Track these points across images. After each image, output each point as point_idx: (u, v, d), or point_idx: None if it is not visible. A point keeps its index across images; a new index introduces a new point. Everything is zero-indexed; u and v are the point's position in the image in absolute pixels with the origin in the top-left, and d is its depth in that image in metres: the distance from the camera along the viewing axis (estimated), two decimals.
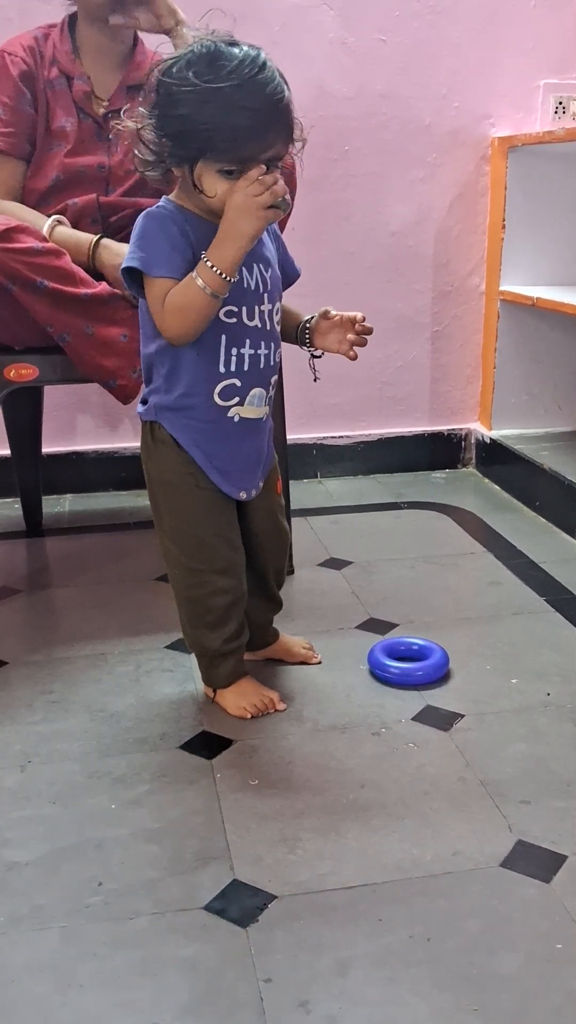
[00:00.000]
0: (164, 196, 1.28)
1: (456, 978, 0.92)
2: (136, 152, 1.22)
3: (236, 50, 1.17)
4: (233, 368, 1.27)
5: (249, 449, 1.33)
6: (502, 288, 2.36)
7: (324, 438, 2.47)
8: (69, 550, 2.03)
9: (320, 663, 1.52)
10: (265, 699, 1.39)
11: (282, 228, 1.72)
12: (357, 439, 2.49)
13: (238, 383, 1.28)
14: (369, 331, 1.37)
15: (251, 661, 1.49)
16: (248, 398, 1.30)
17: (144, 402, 1.33)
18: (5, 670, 1.52)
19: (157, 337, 1.26)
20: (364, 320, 1.36)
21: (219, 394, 1.28)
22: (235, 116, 1.14)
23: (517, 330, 2.40)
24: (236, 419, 1.30)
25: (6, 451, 2.15)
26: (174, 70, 1.16)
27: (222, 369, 1.27)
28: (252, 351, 1.28)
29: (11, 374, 1.64)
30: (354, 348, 1.36)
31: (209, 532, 1.33)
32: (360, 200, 2.34)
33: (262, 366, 1.30)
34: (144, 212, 1.24)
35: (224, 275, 1.18)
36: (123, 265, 1.23)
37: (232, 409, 1.29)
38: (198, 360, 1.26)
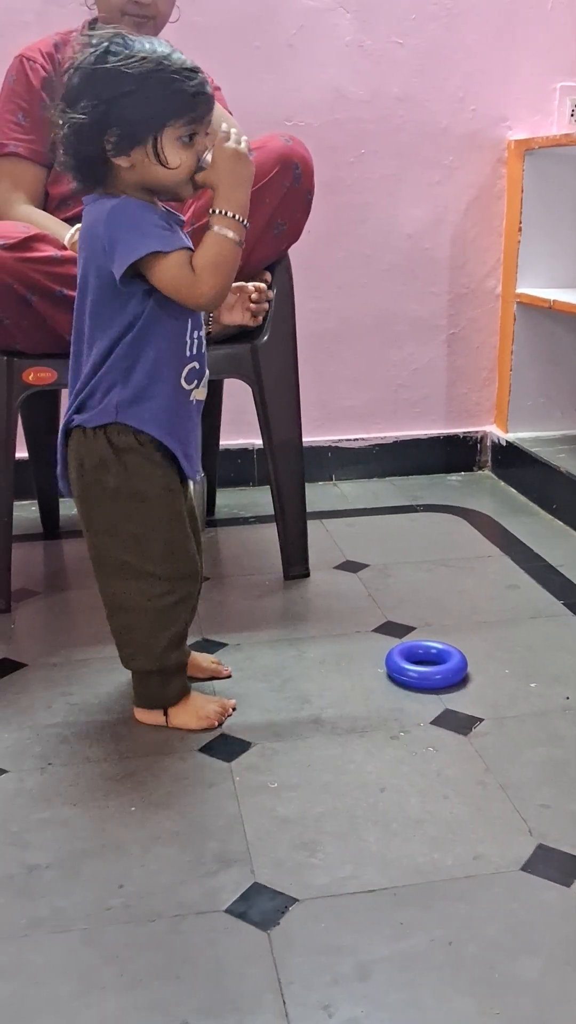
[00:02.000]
0: (110, 197, 1.22)
1: (477, 982, 0.92)
2: (67, 158, 1.20)
3: (128, 39, 1.19)
4: (195, 351, 1.29)
5: (198, 430, 1.36)
6: (519, 291, 2.36)
7: (339, 441, 2.47)
8: (86, 552, 2.02)
9: (230, 676, 1.49)
10: (218, 704, 1.38)
11: (298, 232, 1.73)
12: (372, 442, 2.49)
13: (197, 365, 1.30)
14: (267, 296, 1.53)
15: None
16: (203, 380, 1.32)
17: (79, 409, 1.26)
18: (24, 672, 1.53)
19: (125, 329, 1.23)
20: (262, 290, 1.51)
21: (185, 378, 1.29)
22: (180, 80, 1.17)
23: (533, 333, 2.40)
24: (194, 402, 1.32)
25: (24, 454, 2.16)
26: (97, 58, 1.16)
27: (188, 352, 1.28)
28: (200, 333, 1.30)
29: (30, 377, 1.65)
30: (260, 315, 1.53)
31: (179, 535, 1.31)
32: (376, 203, 2.34)
33: (205, 347, 1.33)
34: (114, 207, 1.19)
35: (243, 219, 1.23)
36: (140, 253, 1.17)
37: (193, 392, 1.31)
38: (168, 346, 1.26)
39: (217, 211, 1.22)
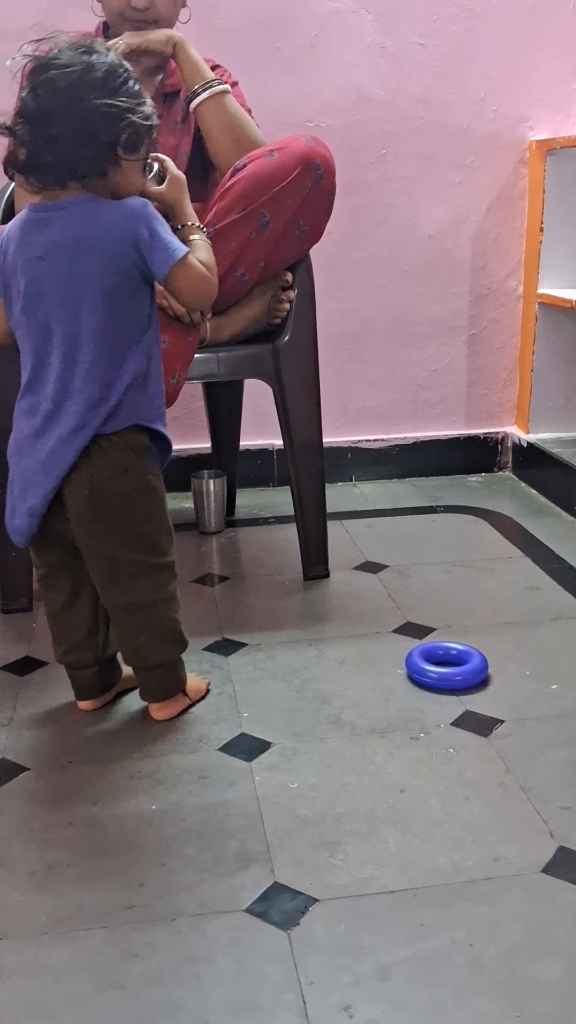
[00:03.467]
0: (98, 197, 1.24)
1: (498, 984, 0.92)
2: (61, 147, 1.17)
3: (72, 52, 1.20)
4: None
5: None
6: (540, 291, 2.35)
7: (359, 441, 2.47)
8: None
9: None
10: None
11: (320, 232, 1.73)
12: (392, 442, 2.49)
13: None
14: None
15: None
16: None
17: (81, 426, 1.23)
18: (45, 670, 1.54)
19: (144, 328, 1.26)
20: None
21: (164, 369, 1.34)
22: (143, 102, 1.22)
23: (555, 333, 2.39)
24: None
25: None
26: (70, 77, 1.16)
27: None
28: None
29: None
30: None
31: (168, 517, 1.34)
32: (397, 203, 2.34)
33: None
34: (143, 206, 1.22)
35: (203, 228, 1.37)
36: (180, 253, 1.24)
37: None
38: (158, 341, 1.30)
39: (189, 223, 1.34)
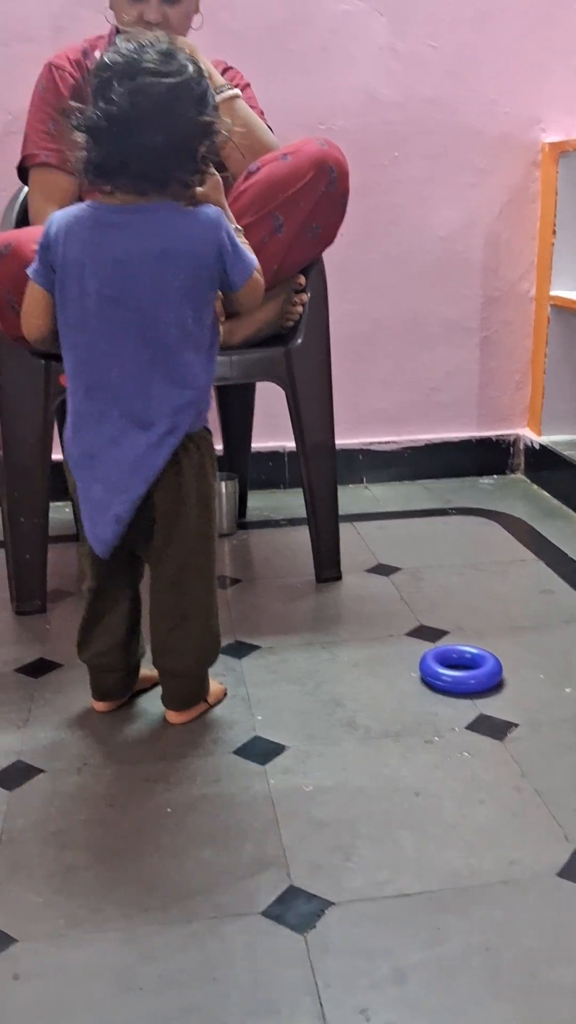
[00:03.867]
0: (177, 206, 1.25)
1: (515, 989, 0.92)
2: (153, 157, 1.17)
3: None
4: None
5: None
6: (552, 293, 2.35)
7: (370, 443, 2.47)
8: None
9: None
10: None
11: (333, 235, 1.73)
12: (404, 444, 2.49)
13: None
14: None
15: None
16: None
17: (171, 429, 1.25)
18: (59, 672, 1.54)
19: (213, 331, 1.29)
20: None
21: None
22: (219, 115, 1.25)
23: (567, 335, 2.39)
24: None
25: (58, 456, 2.18)
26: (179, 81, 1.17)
27: None
28: None
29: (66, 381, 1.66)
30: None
31: None
32: (409, 205, 2.34)
33: None
34: (221, 216, 1.25)
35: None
36: (255, 263, 1.29)
37: None
38: None
39: (233, 226, 1.29)
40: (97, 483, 1.27)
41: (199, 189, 1.28)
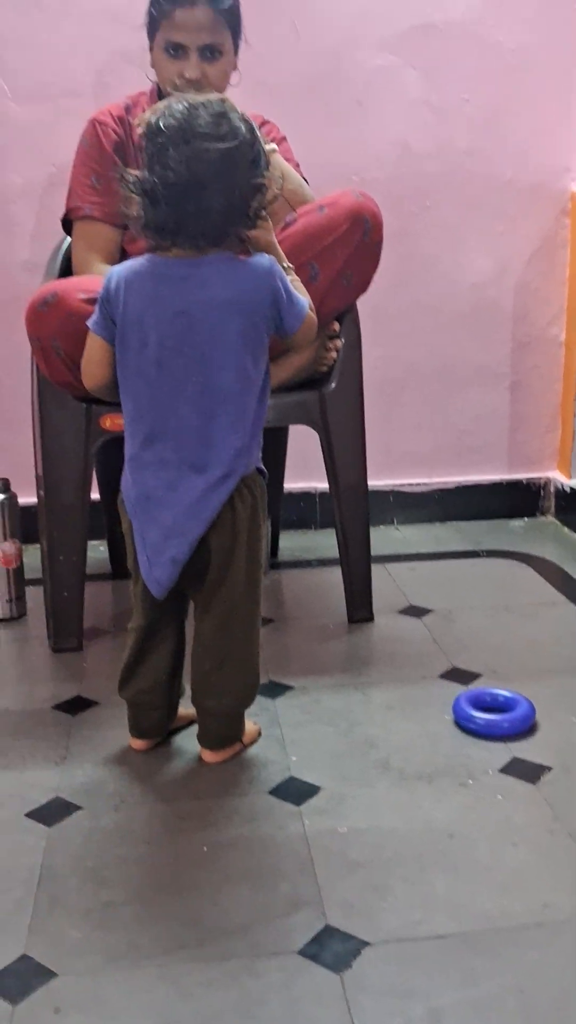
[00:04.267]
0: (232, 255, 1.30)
1: None
2: (212, 216, 1.23)
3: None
4: None
5: None
6: None
7: (401, 485, 2.50)
8: None
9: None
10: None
11: (367, 284, 1.77)
12: (434, 486, 2.51)
13: None
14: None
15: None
16: None
17: (228, 473, 1.30)
18: (96, 710, 1.57)
19: (265, 375, 1.34)
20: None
21: None
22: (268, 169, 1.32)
23: None
24: None
25: (95, 495, 2.22)
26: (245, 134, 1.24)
27: None
28: None
29: (107, 423, 1.70)
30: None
31: None
32: (441, 253, 2.38)
33: None
34: (274, 264, 1.29)
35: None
36: (307, 308, 1.33)
37: None
38: None
39: (285, 264, 1.34)
40: (154, 526, 1.31)
41: (252, 232, 1.32)
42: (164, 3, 1.72)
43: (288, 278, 1.33)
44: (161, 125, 1.22)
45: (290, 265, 1.39)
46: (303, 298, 1.33)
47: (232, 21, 1.76)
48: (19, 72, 2.18)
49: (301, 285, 1.38)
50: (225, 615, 1.35)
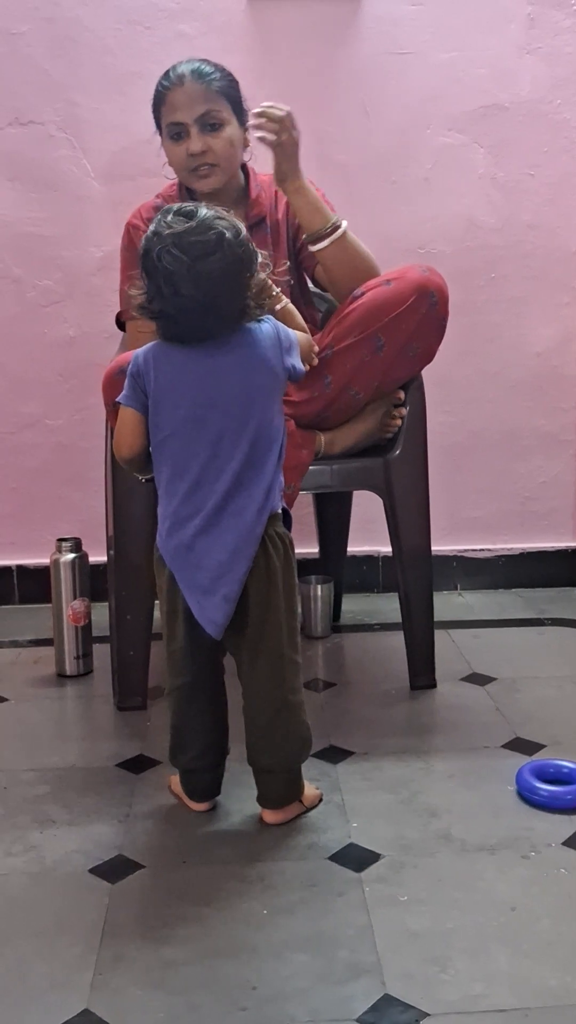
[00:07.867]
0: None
1: None
2: (226, 312, 1.34)
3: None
4: None
5: None
6: None
7: (465, 551, 2.50)
8: None
9: None
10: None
11: (432, 355, 1.80)
12: (498, 552, 2.51)
13: None
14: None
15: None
16: None
17: (262, 507, 1.37)
18: (158, 769, 1.59)
19: (282, 417, 1.43)
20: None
21: None
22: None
23: None
24: None
25: None
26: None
27: None
28: None
29: None
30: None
31: None
32: (506, 323, 2.42)
33: None
34: (272, 321, 1.40)
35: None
36: (297, 338, 1.44)
37: None
38: None
39: (274, 292, 1.44)
40: (199, 571, 1.36)
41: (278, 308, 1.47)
42: (159, 91, 1.79)
43: (279, 305, 1.47)
44: (155, 265, 1.30)
45: (278, 291, 1.47)
46: (292, 332, 1.43)
47: (227, 91, 1.78)
48: (101, 152, 2.29)
49: (292, 307, 1.51)
50: (275, 663, 1.38)
